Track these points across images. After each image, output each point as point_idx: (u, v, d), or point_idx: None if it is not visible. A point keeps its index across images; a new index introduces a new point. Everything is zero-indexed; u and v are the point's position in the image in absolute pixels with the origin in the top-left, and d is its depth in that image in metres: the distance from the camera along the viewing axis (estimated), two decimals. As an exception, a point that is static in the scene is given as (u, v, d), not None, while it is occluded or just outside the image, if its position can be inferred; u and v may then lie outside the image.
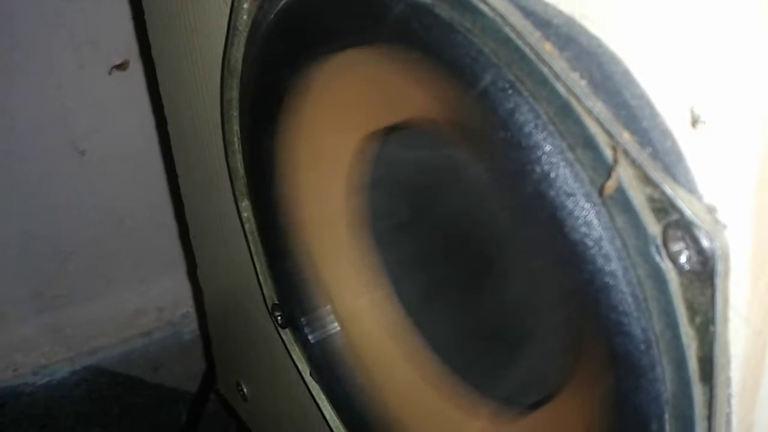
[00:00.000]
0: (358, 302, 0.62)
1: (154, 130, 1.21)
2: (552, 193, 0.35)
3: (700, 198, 0.31)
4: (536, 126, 0.35)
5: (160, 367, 1.35)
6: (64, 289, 1.27)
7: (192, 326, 1.37)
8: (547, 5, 0.35)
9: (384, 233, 0.59)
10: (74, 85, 1.14)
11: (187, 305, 1.36)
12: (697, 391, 0.33)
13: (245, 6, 0.54)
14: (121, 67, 1.16)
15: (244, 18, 0.55)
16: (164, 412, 1.34)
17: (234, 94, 0.60)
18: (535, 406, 0.49)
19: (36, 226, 1.21)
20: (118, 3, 1.12)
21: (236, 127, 0.62)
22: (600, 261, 0.33)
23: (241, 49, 0.57)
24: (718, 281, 0.30)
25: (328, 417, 0.67)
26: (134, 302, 1.32)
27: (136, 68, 1.16)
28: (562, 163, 0.34)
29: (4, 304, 1.24)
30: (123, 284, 1.30)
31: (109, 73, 1.16)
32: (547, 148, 0.35)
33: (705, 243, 0.30)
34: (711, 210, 0.31)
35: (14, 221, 1.19)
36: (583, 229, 0.34)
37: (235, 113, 0.61)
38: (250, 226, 0.67)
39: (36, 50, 1.09)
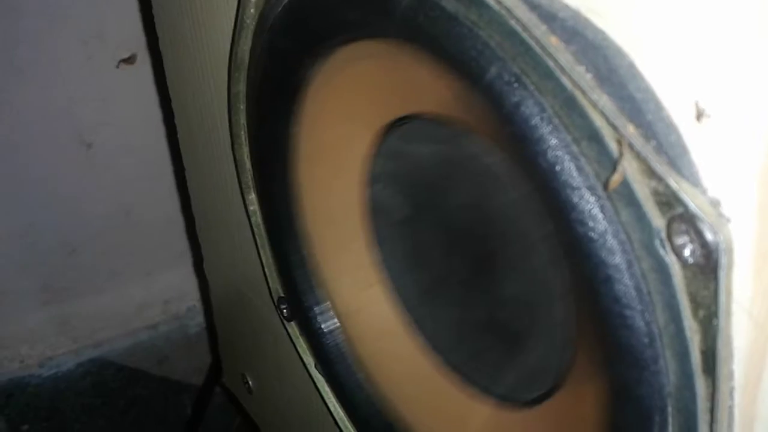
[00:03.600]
0: (360, 297, 0.62)
1: (161, 124, 1.21)
2: (557, 186, 0.35)
3: (704, 191, 0.31)
4: (541, 119, 0.35)
5: (165, 359, 1.35)
6: (71, 282, 1.28)
7: (197, 319, 1.37)
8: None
9: (386, 228, 0.60)
10: (82, 79, 1.14)
11: (193, 298, 1.37)
12: (700, 384, 0.34)
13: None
14: (129, 60, 1.16)
15: (252, 11, 0.55)
16: (169, 404, 1.34)
17: (241, 87, 0.60)
18: (536, 401, 0.50)
19: (42, 218, 1.21)
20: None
21: (243, 121, 0.62)
22: (604, 254, 0.33)
23: (249, 43, 0.57)
24: (722, 274, 0.31)
25: (332, 409, 0.67)
26: (140, 295, 1.33)
27: (144, 62, 1.17)
28: (567, 157, 0.34)
29: (10, 296, 1.25)
30: (129, 277, 1.31)
31: (117, 67, 1.16)
32: (552, 141, 0.35)
33: (709, 236, 0.30)
34: (715, 203, 0.31)
35: (21, 214, 1.19)
36: (588, 223, 0.34)
37: (242, 106, 0.61)
38: (257, 219, 0.67)
39: (44, 43, 1.09)
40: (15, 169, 1.16)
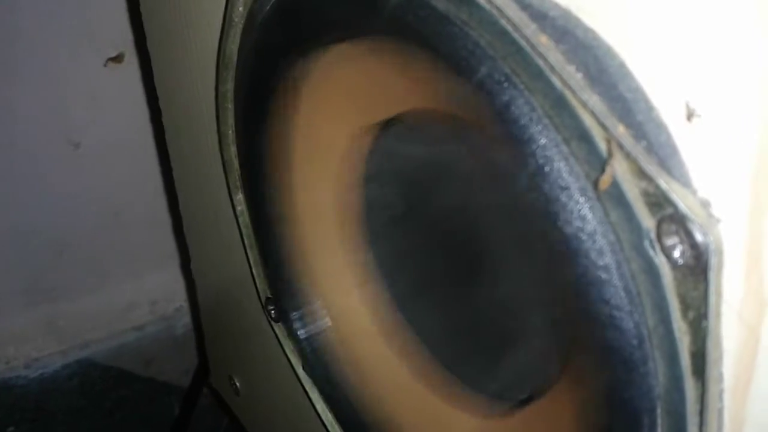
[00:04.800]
0: (349, 297, 0.62)
1: (149, 123, 1.20)
2: (546, 186, 0.34)
3: (694, 192, 0.31)
4: (531, 119, 0.35)
5: (152, 361, 1.34)
6: (58, 282, 1.27)
7: (185, 320, 1.37)
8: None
9: (376, 228, 0.59)
10: (69, 78, 1.13)
11: (180, 299, 1.36)
12: (689, 386, 0.33)
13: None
14: (117, 59, 1.15)
15: (240, 9, 0.55)
16: (156, 406, 1.34)
17: (229, 86, 0.60)
18: (527, 400, 0.49)
19: (30, 218, 1.20)
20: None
21: (231, 120, 0.62)
22: (593, 255, 0.33)
23: (237, 41, 0.56)
24: (712, 276, 0.30)
25: (320, 411, 0.67)
26: (127, 296, 1.32)
27: (132, 60, 1.16)
28: (556, 157, 0.34)
29: (-5, 296, 1.24)
30: (116, 278, 1.30)
31: (105, 66, 1.15)
32: (542, 141, 0.35)
33: (699, 237, 0.30)
34: (705, 204, 0.31)
35: (8, 214, 1.18)
36: (577, 223, 0.33)
37: (230, 106, 0.61)
38: (244, 219, 0.67)
39: (31, 42, 1.09)
40: (2, 168, 1.16)
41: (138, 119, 1.20)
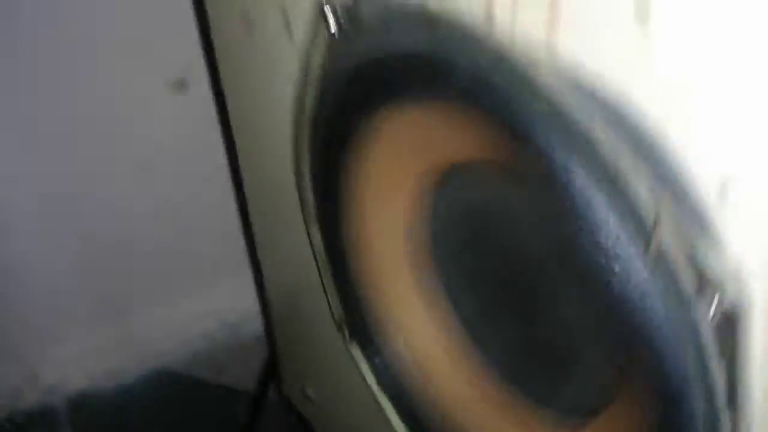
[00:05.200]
0: (419, 320, 0.66)
1: (216, 142, 1.23)
2: (601, 245, 0.39)
3: (729, 257, 0.36)
4: (586, 183, 0.40)
5: (223, 369, 1.38)
6: (131, 295, 1.32)
7: (255, 328, 1.39)
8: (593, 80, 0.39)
9: (443, 259, 0.64)
10: (136, 98, 1.17)
11: (252, 310, 1.39)
12: (725, 418, 0.38)
13: (317, 54, 0.59)
14: (182, 83, 1.19)
15: (317, 65, 0.59)
16: (228, 413, 1.36)
17: (306, 132, 0.64)
18: (592, 415, 0.54)
19: (102, 233, 1.25)
20: (181, 21, 1.16)
21: (307, 162, 0.66)
22: (641, 313, 0.38)
23: (314, 95, 0.61)
24: (744, 330, 0.35)
25: (394, 424, 0.71)
26: (199, 306, 1.35)
27: (197, 84, 1.20)
28: (611, 219, 0.39)
29: (73, 312, 1.29)
30: (188, 288, 1.34)
31: (171, 88, 1.20)
32: (598, 201, 0.40)
33: (733, 298, 0.35)
34: (738, 268, 0.36)
35: (81, 229, 1.23)
36: (626, 284, 0.38)
37: (306, 151, 0.65)
38: (319, 248, 0.71)
39: (98, 66, 1.14)
40: (74, 186, 1.21)
41: (207, 139, 1.24)
